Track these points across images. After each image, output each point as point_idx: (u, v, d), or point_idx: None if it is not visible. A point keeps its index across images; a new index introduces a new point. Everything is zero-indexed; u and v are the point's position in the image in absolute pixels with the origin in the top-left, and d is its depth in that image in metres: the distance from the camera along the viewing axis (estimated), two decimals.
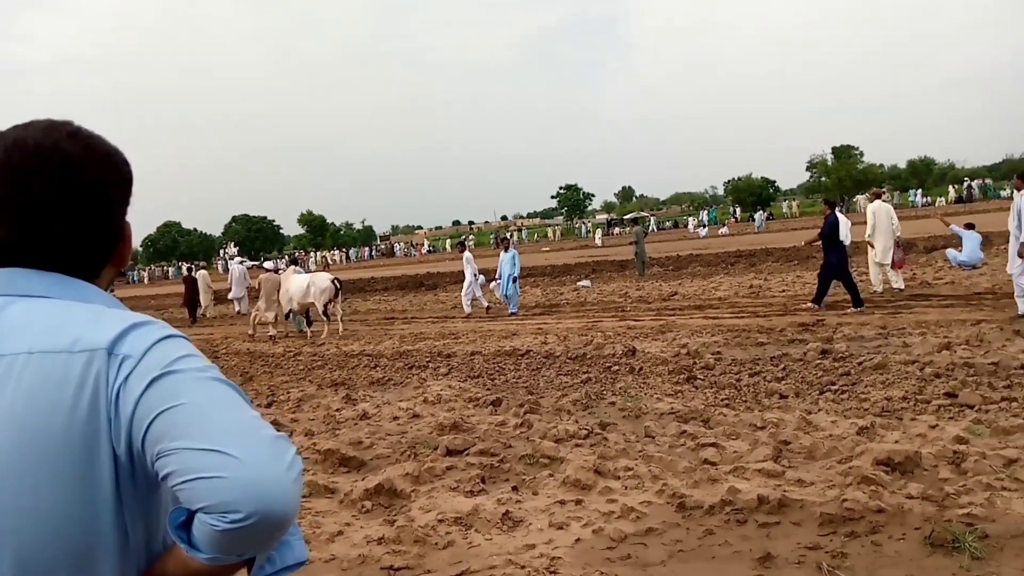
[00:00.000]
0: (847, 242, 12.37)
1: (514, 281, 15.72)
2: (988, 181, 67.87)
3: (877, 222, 13.09)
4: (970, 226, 16.27)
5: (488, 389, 8.27)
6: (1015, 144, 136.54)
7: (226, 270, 24.07)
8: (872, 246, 13.20)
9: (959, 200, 59.59)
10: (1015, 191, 9.87)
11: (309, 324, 15.53)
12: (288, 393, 8.89)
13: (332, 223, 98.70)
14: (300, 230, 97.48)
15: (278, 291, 15.33)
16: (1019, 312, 9.34)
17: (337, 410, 7.69)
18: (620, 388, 7.81)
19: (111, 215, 1.10)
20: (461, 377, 9.15)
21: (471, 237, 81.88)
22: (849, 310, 11.44)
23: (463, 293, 16.71)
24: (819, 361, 8.00)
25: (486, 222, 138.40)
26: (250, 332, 15.68)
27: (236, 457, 0.86)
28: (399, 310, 19.38)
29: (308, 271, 20.91)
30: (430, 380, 9.04)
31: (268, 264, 17.49)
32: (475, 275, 16.40)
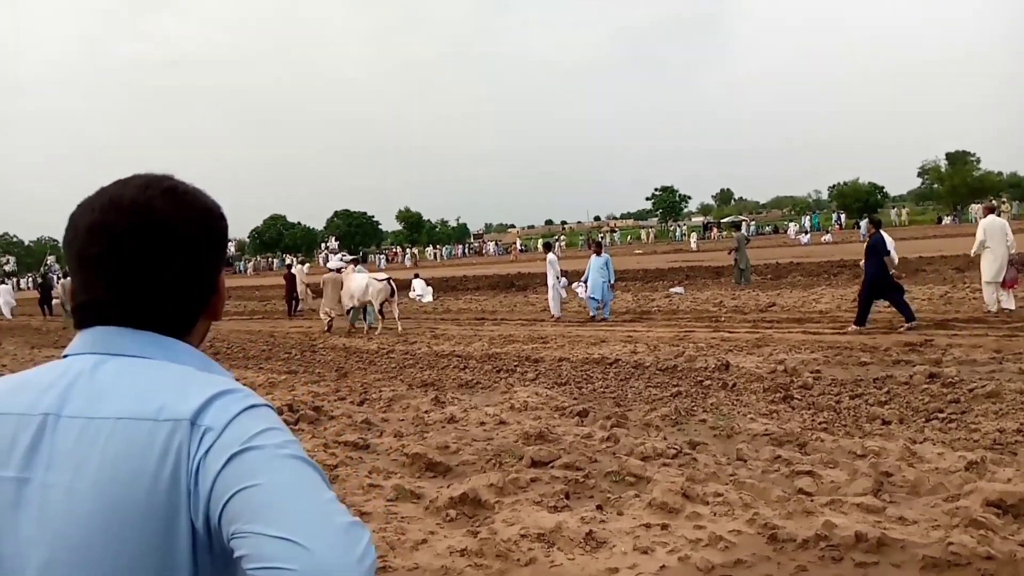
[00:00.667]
0: (894, 258, 12.01)
1: (611, 287, 15.73)
2: None
3: (988, 238, 12.35)
4: None
5: (575, 398, 8.22)
6: None
7: (326, 262, 24.93)
8: (981, 264, 12.48)
9: None
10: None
11: (367, 318, 16.39)
12: (380, 392, 9.06)
13: (428, 220, 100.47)
14: (398, 226, 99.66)
15: (340, 289, 16.21)
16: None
17: (426, 412, 7.79)
18: (712, 404, 7.63)
19: (206, 271, 1.11)
20: (548, 384, 9.13)
21: (562, 238, 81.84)
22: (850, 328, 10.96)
23: (549, 297, 16.68)
24: (926, 385, 7.59)
25: (579, 222, 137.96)
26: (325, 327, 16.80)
27: (307, 548, 0.85)
28: (489, 311, 19.52)
29: (404, 267, 21.36)
30: (517, 385, 9.05)
31: (332, 263, 18.18)
32: (557, 277, 16.35)
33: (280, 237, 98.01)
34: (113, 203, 1.04)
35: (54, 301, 27.70)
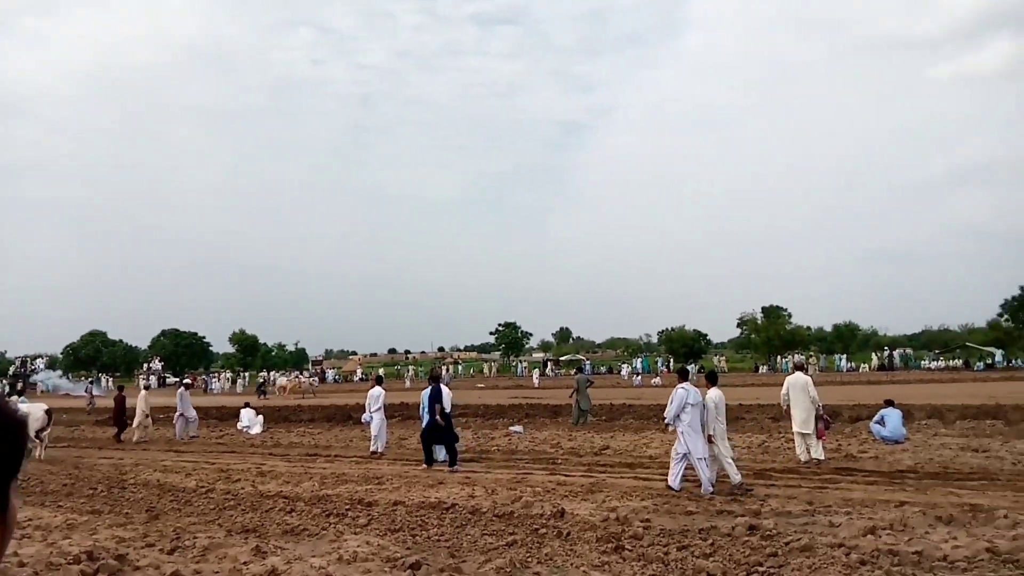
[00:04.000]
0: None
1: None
2: (909, 351, 70.91)
3: (790, 394, 13.60)
4: (889, 402, 16.82)
5: (408, 548, 7.90)
6: (933, 317, 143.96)
7: (147, 387, 23.33)
8: (790, 416, 13.57)
9: (881, 367, 61.93)
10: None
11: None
12: (195, 538, 8.33)
13: (264, 343, 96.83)
14: (231, 348, 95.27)
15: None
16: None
17: (244, 563, 7.22)
18: (546, 555, 7.55)
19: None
20: (381, 530, 8.75)
21: (406, 367, 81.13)
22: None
23: (374, 433, 16.37)
24: (747, 538, 7.91)
25: (423, 352, 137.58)
26: None
27: None
28: (323, 445, 18.73)
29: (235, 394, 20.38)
30: (348, 532, 8.62)
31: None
32: (371, 413, 16.32)
33: (98, 354, 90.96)
34: None
35: None
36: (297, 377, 55.73)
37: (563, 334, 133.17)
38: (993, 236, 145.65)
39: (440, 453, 14.38)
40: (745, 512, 9.14)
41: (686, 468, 11.07)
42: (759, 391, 32.14)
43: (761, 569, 6.83)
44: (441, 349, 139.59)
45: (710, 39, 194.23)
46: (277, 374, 68.49)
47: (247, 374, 74.55)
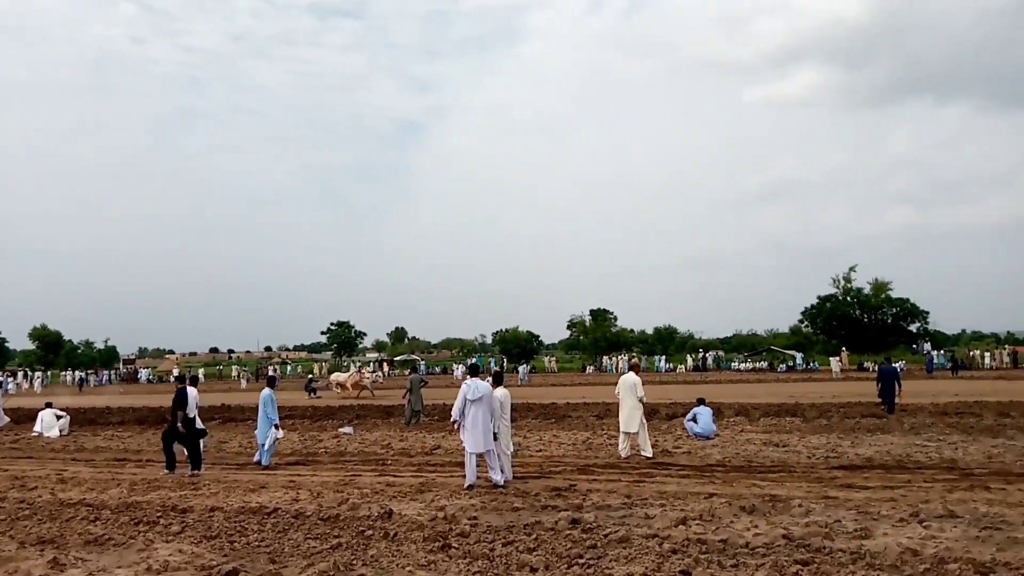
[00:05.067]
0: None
1: (276, 427, 14.29)
2: (721, 353, 76.08)
3: (620, 392, 14.25)
4: (701, 401, 17.98)
5: (225, 555, 7.53)
6: (743, 322, 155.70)
7: None
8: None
9: (696, 368, 66.06)
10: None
11: None
12: None
13: (69, 340, 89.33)
14: (31, 345, 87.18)
15: None
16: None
17: None
18: (372, 557, 7.44)
19: None
20: (196, 538, 8.27)
21: (230, 367, 77.23)
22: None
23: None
24: (569, 531, 8.17)
25: (248, 351, 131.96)
26: None
27: None
28: (133, 450, 17.50)
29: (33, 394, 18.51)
30: (159, 541, 8.09)
31: None
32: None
33: None
34: None
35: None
36: (360, 371, 43.12)
37: (398, 334, 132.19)
38: (796, 249, 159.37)
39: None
40: (568, 507, 9.44)
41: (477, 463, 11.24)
42: (585, 390, 33.43)
43: (581, 561, 7.07)
44: (268, 349, 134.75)
45: (547, 49, 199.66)
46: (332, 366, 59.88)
47: (49, 373, 68.47)
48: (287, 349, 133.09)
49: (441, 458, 14.66)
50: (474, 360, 60.62)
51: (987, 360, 59.67)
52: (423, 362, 76.77)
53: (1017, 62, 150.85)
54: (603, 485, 11.13)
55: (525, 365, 58.08)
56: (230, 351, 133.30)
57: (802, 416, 20.87)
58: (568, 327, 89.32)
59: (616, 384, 14.83)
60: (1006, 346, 66.62)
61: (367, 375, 41.10)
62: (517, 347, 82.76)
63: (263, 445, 14.25)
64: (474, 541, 7.93)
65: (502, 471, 11.32)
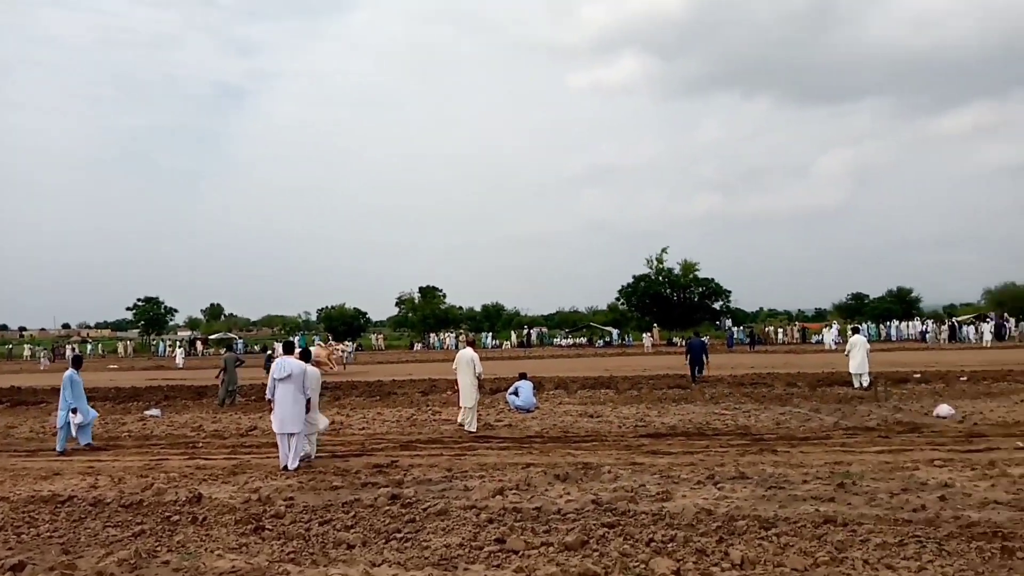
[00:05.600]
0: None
1: (74, 412, 13.29)
2: (544, 330, 78.53)
3: (457, 366, 14.33)
4: (523, 375, 18.52)
5: (10, 548, 6.90)
6: (565, 300, 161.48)
7: None
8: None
9: (521, 344, 67.87)
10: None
11: None
12: None
13: None
14: None
15: None
16: None
17: None
18: (178, 542, 7.07)
19: None
20: None
21: (22, 345, 70.29)
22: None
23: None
24: (388, 507, 8.16)
25: (42, 329, 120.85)
26: None
27: None
28: None
29: None
30: None
31: None
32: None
33: None
34: None
35: None
36: (330, 344, 40.37)
37: (214, 310, 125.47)
38: (614, 230, 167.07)
39: None
40: (389, 483, 9.43)
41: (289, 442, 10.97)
42: (412, 367, 33.45)
43: (399, 535, 7.09)
44: (67, 326, 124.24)
45: (375, 18, 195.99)
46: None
47: None
48: (88, 327, 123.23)
49: (258, 439, 14.15)
50: (296, 339, 58.96)
51: (780, 336, 65.65)
52: (241, 340, 73.66)
53: (813, 61, 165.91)
54: (425, 460, 11.21)
55: (351, 343, 57.07)
56: (22, 329, 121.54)
57: (615, 388, 22.01)
58: (397, 304, 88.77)
59: (453, 360, 14.97)
60: (796, 323, 73.51)
61: (339, 348, 38.98)
62: (343, 324, 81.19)
63: (62, 428, 13.18)
64: (289, 521, 7.74)
65: (306, 450, 11.03)
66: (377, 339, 78.06)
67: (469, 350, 14.74)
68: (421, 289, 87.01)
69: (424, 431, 14.60)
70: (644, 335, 59.95)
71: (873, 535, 6.67)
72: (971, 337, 54.37)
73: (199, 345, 72.83)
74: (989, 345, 48.09)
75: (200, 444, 13.77)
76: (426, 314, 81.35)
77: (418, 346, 72.00)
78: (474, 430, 14.03)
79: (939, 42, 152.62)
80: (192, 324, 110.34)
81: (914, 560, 5.99)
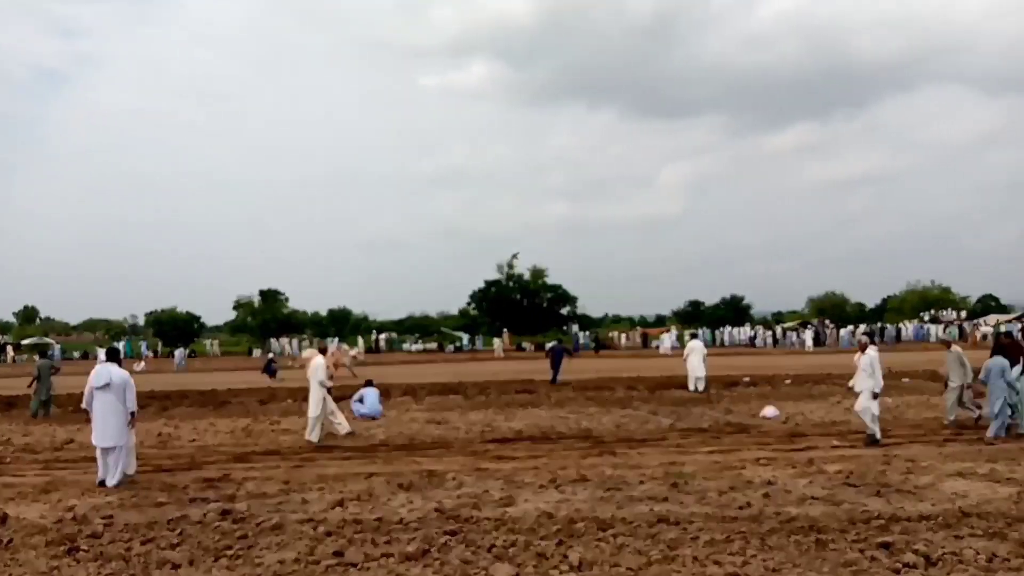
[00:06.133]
0: None
1: None
2: (394, 335, 77.56)
3: (310, 374, 14.06)
4: (369, 382, 18.20)
5: None
6: (415, 304, 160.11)
7: None
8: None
9: (369, 350, 66.75)
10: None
11: None
12: None
13: None
14: None
15: None
16: None
17: None
18: None
19: None
20: None
21: None
22: None
23: None
24: (219, 523, 7.72)
25: None
26: None
27: None
28: None
29: None
30: None
31: None
32: None
33: None
34: None
35: None
36: (339, 347, 38.10)
37: (28, 313, 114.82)
38: (466, 235, 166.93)
39: None
40: (220, 498, 8.94)
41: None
42: (249, 376, 32.03)
43: (230, 552, 6.72)
44: None
45: (213, 4, 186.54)
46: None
47: None
48: None
49: (74, 453, 13.04)
50: (121, 344, 55.31)
51: (623, 340, 68.30)
52: (58, 346, 68.03)
53: (655, 76, 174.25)
54: (261, 473, 10.72)
55: (183, 349, 53.86)
56: None
57: (464, 394, 22.05)
58: (234, 308, 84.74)
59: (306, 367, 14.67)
60: (638, 328, 76.69)
61: (349, 352, 37.25)
62: (174, 329, 76.68)
63: None
64: (108, 541, 7.16)
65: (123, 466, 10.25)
66: (212, 344, 74.31)
67: (320, 358, 14.37)
68: (262, 292, 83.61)
69: (261, 442, 13.98)
70: (495, 340, 60.53)
71: (703, 532, 7.02)
72: (794, 342, 58.90)
73: (9, 351, 66.45)
74: (810, 350, 52.28)
75: (8, 459, 12.53)
76: (267, 318, 78.26)
77: (257, 352, 69.14)
78: (315, 440, 13.59)
79: (768, 63, 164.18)
80: (2, 328, 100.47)
81: (739, 555, 6.35)
